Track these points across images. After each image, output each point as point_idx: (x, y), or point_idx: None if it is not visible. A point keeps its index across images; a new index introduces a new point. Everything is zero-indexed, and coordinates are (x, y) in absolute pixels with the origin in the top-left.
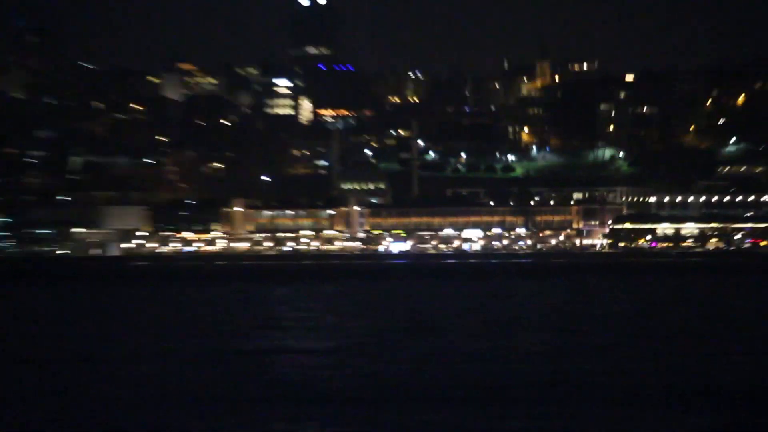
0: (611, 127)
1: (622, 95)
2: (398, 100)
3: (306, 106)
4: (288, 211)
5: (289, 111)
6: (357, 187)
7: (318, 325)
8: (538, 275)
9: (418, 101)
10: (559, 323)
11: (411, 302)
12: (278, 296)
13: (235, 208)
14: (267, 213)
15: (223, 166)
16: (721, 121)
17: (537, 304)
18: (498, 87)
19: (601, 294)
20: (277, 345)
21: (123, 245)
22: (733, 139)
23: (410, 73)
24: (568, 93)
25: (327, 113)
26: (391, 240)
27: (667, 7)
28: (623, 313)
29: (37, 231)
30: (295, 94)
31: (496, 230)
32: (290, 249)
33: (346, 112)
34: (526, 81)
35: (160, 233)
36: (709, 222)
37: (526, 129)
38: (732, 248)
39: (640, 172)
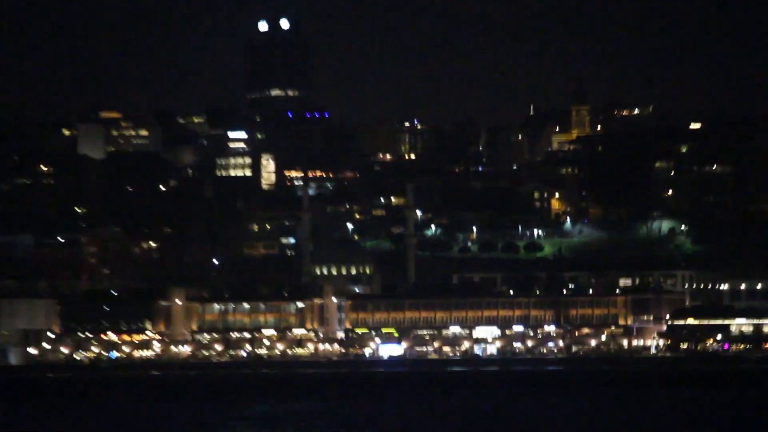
0: (670, 192)
1: (684, 149)
2: (390, 158)
3: (268, 166)
4: (244, 305)
5: (246, 172)
6: (335, 272)
7: None
8: (571, 388)
9: (415, 159)
10: None
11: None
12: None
13: (175, 301)
14: (216, 307)
15: (158, 245)
16: None
17: None
18: (521, 139)
19: (658, 416)
20: None
21: (26, 350)
22: None
23: (406, 122)
24: (612, 147)
25: (296, 174)
26: (380, 341)
27: (741, 41)
28: None
29: None
30: (254, 149)
31: (518, 328)
32: (247, 354)
33: (320, 174)
34: (557, 131)
35: (75, 334)
36: None
37: (557, 195)
38: None
39: (708, 251)
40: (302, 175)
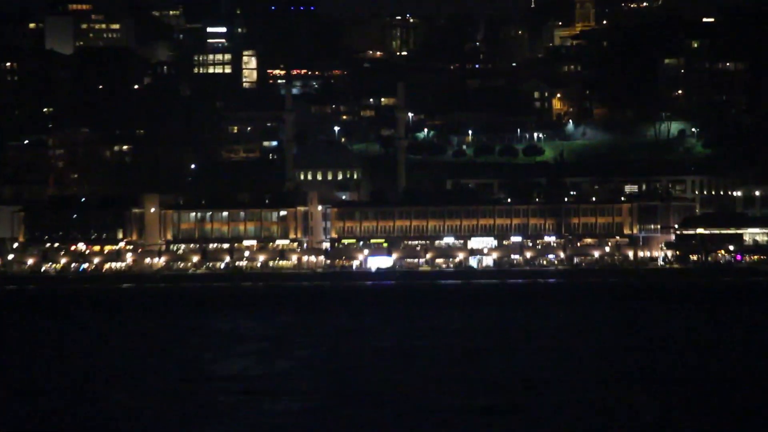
0: (680, 91)
1: (695, 45)
2: (380, 55)
3: (250, 63)
4: (222, 213)
5: (226, 70)
6: (320, 177)
7: None
8: (573, 301)
9: (408, 56)
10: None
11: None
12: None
13: (148, 209)
14: (192, 215)
15: (130, 148)
16: None
17: (569, 342)
18: (520, 34)
19: (666, 335)
20: None
21: None
22: None
23: (397, 16)
24: (619, 42)
25: (279, 73)
26: (368, 253)
27: None
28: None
29: None
30: (234, 45)
31: (516, 238)
32: (225, 266)
33: (306, 72)
34: (560, 25)
35: (42, 244)
36: None
37: (558, 94)
38: None
39: (720, 155)
40: (285, 73)
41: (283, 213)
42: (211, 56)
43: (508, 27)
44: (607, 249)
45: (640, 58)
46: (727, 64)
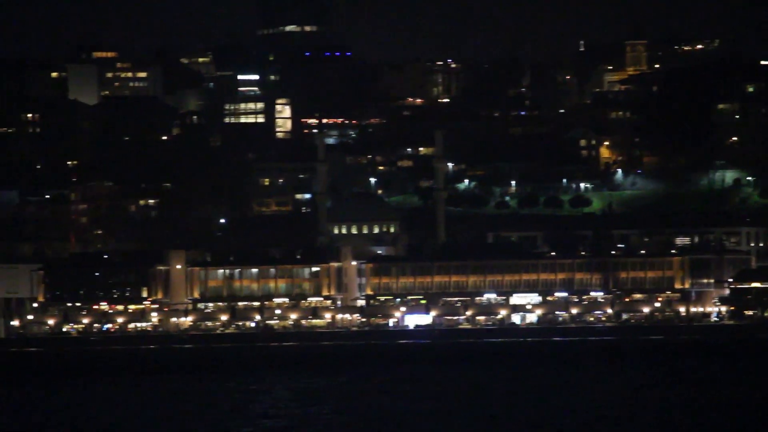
0: (735, 138)
1: (752, 89)
2: (421, 102)
3: (284, 112)
4: (252, 270)
5: (258, 119)
6: (355, 231)
7: None
8: (623, 360)
9: (449, 103)
10: None
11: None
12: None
13: (174, 266)
14: (220, 272)
15: (156, 202)
16: None
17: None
18: (569, 79)
19: (727, 393)
20: None
21: (8, 322)
22: None
23: (438, 61)
24: (669, 86)
25: (314, 122)
26: (405, 310)
27: None
28: None
29: None
30: (267, 93)
31: (561, 294)
32: (255, 325)
33: (342, 121)
34: (610, 69)
35: (63, 304)
36: None
37: (607, 142)
38: None
39: None
40: (320, 122)
41: (315, 269)
42: (242, 105)
43: (555, 71)
44: (657, 304)
45: (693, 102)
46: None
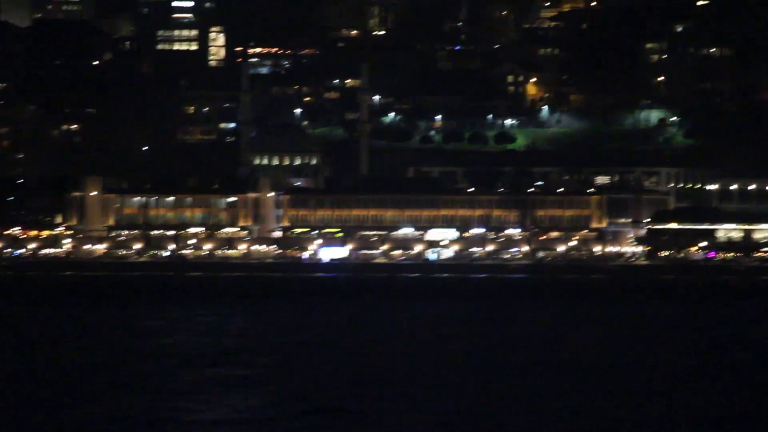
0: (662, 78)
1: (679, 29)
2: (356, 34)
3: (218, 40)
4: (168, 198)
5: (191, 47)
6: (277, 162)
7: None
8: (536, 298)
9: (385, 36)
10: None
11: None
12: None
13: (89, 192)
14: (136, 200)
15: (79, 128)
16: None
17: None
18: (505, 14)
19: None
20: None
21: None
22: None
23: None
24: (599, 24)
25: (249, 51)
26: (322, 243)
27: None
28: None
29: None
30: (201, 21)
31: (478, 230)
32: (170, 254)
33: (277, 50)
34: (548, 5)
35: None
36: None
37: (534, 79)
38: None
39: (701, 146)
40: (256, 51)
41: (232, 199)
42: (176, 32)
43: (492, 7)
44: (573, 243)
45: (621, 41)
46: (713, 49)
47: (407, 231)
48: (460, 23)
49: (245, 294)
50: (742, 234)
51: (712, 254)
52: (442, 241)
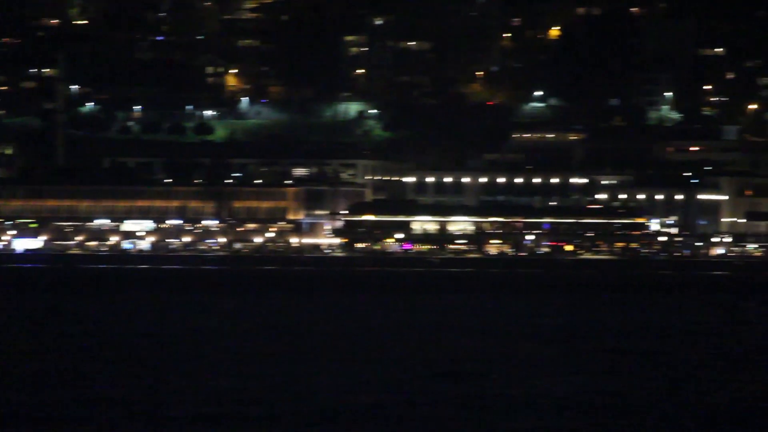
0: (361, 70)
1: (379, 22)
2: (57, 23)
3: None
4: None
5: None
6: None
7: None
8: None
9: (86, 25)
10: None
11: None
12: None
13: None
14: None
15: None
16: (523, 64)
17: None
18: (210, 6)
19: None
20: None
21: None
22: (540, 92)
23: None
24: (299, 16)
25: None
26: (16, 233)
27: None
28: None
29: None
30: None
31: (176, 221)
32: None
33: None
34: None
35: None
36: (491, 215)
37: (234, 70)
38: (522, 254)
39: (399, 139)
40: None
41: None
42: None
43: None
44: (270, 235)
45: (322, 33)
46: (412, 43)
47: (103, 222)
48: (164, 14)
49: None
50: (437, 226)
51: (407, 246)
52: (138, 233)
